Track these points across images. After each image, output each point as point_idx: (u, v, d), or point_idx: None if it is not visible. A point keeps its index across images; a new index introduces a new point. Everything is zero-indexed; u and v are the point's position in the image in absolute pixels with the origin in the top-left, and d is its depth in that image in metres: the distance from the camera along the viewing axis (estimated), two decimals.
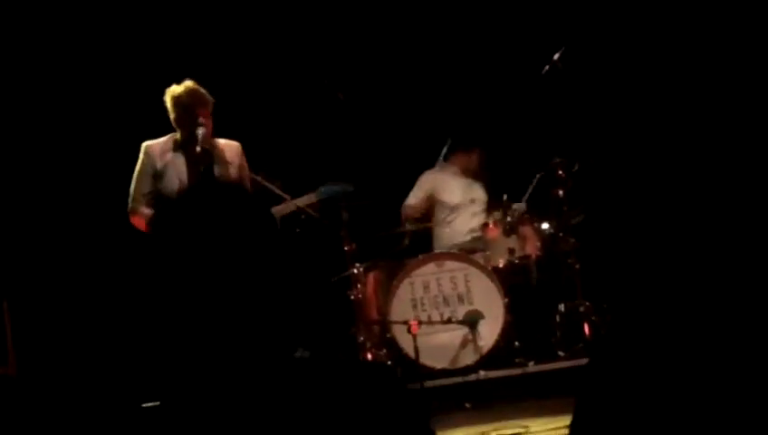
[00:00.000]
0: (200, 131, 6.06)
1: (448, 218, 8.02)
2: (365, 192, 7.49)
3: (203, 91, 6.14)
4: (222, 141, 6.29)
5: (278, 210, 6.69)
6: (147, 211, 6.11)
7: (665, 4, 8.18)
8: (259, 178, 6.41)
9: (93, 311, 7.98)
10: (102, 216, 6.99)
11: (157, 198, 6.11)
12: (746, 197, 7.94)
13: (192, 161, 6.17)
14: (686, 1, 8.12)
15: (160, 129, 6.30)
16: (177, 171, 6.14)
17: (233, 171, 6.22)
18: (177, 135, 6.22)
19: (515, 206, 7.68)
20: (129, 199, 6.18)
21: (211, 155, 6.16)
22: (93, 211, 7.74)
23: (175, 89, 6.14)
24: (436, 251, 7.73)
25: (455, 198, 8.01)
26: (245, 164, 6.34)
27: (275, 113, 8.52)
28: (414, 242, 7.85)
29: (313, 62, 8.55)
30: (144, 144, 6.23)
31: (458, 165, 8.10)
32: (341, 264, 7.44)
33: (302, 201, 6.83)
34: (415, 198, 8.09)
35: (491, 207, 7.91)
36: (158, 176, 6.14)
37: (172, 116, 6.16)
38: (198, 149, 6.07)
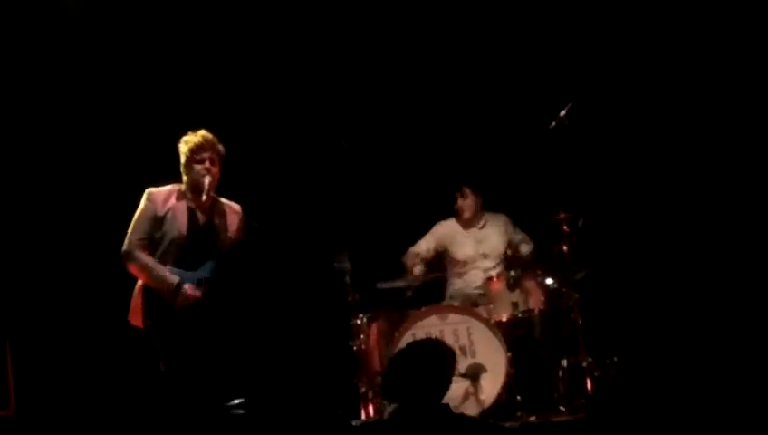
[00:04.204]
0: (207, 180, 6.10)
1: (460, 272, 8.03)
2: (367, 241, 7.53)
3: (216, 139, 6.20)
4: (224, 201, 6.32)
5: None
6: (142, 256, 6.08)
7: (671, 61, 8.24)
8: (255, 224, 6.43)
9: (94, 352, 7.99)
10: (102, 257, 6.99)
11: (153, 243, 6.12)
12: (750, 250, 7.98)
13: (194, 210, 6.19)
14: (689, 60, 8.19)
15: (165, 176, 6.34)
16: (178, 220, 6.14)
17: (231, 227, 6.25)
18: (182, 186, 6.24)
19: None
20: (125, 242, 6.14)
21: (216, 205, 6.21)
22: (94, 253, 7.76)
23: (189, 135, 6.20)
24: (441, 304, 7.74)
25: (465, 253, 8.03)
26: (243, 227, 6.35)
27: (279, 163, 8.57)
28: (423, 292, 7.86)
29: (319, 113, 8.61)
30: (148, 190, 6.24)
31: (463, 216, 8.11)
32: (345, 314, 7.44)
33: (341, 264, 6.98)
34: (423, 247, 8.10)
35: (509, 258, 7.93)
36: (157, 222, 6.14)
37: (182, 161, 6.22)
38: (204, 197, 6.11)
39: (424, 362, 4.72)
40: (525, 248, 7.97)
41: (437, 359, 4.77)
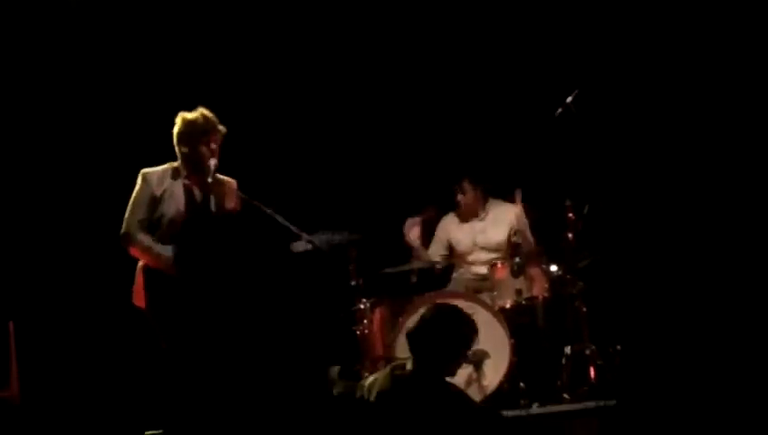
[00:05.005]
0: (212, 162, 6.08)
1: (461, 263, 8.02)
2: (374, 230, 7.52)
3: (216, 119, 6.16)
4: (220, 177, 6.27)
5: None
6: (142, 237, 6.06)
7: (679, 49, 8.23)
8: (269, 211, 6.39)
9: (97, 335, 8.00)
10: (107, 241, 6.99)
11: (152, 224, 6.09)
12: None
13: (190, 188, 6.16)
14: (696, 48, 8.18)
15: (157, 157, 6.30)
16: (176, 199, 6.11)
17: (229, 204, 6.19)
18: (176, 163, 6.20)
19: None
20: (124, 225, 6.11)
21: (219, 187, 6.17)
22: (99, 236, 7.75)
23: (189, 113, 6.15)
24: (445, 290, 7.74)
25: (462, 244, 8.02)
26: (240, 201, 6.31)
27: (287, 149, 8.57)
28: (428, 278, 7.85)
29: (327, 102, 8.62)
30: (142, 171, 6.19)
31: (462, 209, 8.08)
32: (348, 299, 7.44)
33: (298, 247, 6.89)
34: (436, 252, 8.09)
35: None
36: (155, 203, 6.10)
37: (182, 139, 6.15)
38: (210, 179, 6.08)
39: (444, 325, 4.81)
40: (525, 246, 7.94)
41: (456, 328, 4.93)
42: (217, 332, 6.01)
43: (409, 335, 5.19)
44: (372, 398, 4.97)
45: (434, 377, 4.96)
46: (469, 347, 5.18)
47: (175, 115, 6.19)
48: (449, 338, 5.03)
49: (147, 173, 6.19)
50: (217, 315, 6.03)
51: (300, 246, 6.88)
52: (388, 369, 5.21)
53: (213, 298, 6.04)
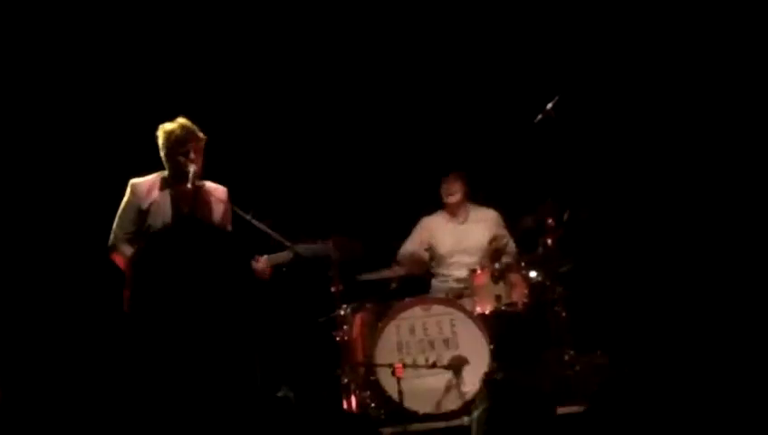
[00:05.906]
0: (191, 168, 6.09)
1: (442, 267, 8.02)
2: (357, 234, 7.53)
3: (195, 127, 6.17)
4: (210, 184, 6.30)
5: (273, 259, 6.76)
6: (127, 250, 6.09)
7: (658, 55, 8.27)
8: (249, 217, 6.41)
9: (79, 339, 7.98)
10: (87, 245, 7.00)
11: (139, 236, 6.10)
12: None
13: (177, 200, 6.17)
14: (674, 53, 8.22)
15: (147, 167, 6.31)
16: (163, 211, 6.13)
17: (216, 214, 6.22)
18: (165, 173, 6.22)
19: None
20: (111, 236, 6.17)
21: (199, 194, 6.17)
22: (78, 240, 7.75)
23: (168, 124, 6.17)
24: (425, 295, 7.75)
25: (445, 247, 8.01)
26: (230, 209, 6.33)
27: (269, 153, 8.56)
28: (408, 284, 7.86)
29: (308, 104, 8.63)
30: (131, 181, 6.23)
31: (448, 201, 8.07)
32: (329, 304, 7.43)
33: (279, 258, 6.86)
34: (411, 245, 8.09)
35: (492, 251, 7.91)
36: (142, 214, 6.14)
37: (163, 151, 6.19)
38: (189, 186, 6.09)
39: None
40: (508, 253, 7.95)
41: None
42: (197, 339, 6.00)
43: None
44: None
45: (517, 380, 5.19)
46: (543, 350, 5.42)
47: (167, 120, 6.22)
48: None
49: (135, 184, 6.22)
50: (197, 323, 6.02)
51: (280, 257, 6.85)
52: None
53: (194, 306, 6.03)
